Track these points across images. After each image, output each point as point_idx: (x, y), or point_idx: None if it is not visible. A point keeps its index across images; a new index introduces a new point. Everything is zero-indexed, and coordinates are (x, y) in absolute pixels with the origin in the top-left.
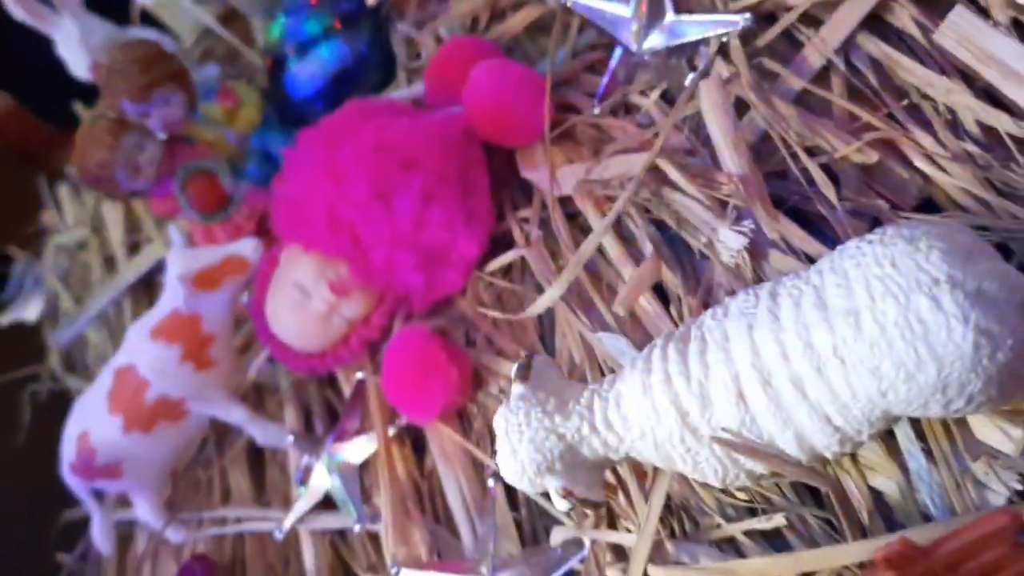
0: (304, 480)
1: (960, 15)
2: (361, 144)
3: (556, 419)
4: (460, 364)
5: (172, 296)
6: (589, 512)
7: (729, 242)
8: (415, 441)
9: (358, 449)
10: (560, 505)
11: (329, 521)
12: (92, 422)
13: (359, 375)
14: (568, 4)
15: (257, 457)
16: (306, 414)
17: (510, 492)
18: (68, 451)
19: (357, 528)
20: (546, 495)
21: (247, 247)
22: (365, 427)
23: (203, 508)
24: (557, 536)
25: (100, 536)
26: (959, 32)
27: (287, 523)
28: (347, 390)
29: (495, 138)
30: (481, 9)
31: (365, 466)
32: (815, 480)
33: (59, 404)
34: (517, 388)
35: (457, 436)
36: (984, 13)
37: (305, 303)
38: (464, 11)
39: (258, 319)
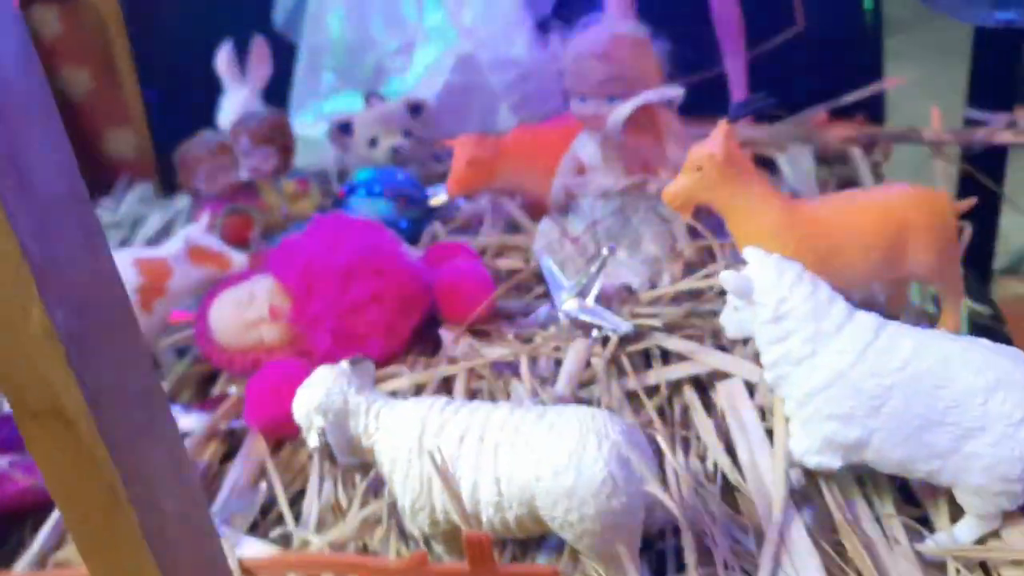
0: None
1: (735, 383)
2: (362, 237)
3: (350, 391)
4: None
5: (171, 247)
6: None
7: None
8: (231, 449)
9: (190, 421)
10: (311, 440)
11: None
12: None
13: (232, 389)
14: (539, 259)
15: None
16: (173, 395)
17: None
18: None
19: None
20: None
21: (239, 257)
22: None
23: None
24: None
25: None
26: (730, 393)
27: None
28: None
29: (441, 303)
30: (492, 247)
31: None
32: (467, 524)
33: None
34: (344, 364)
35: (265, 452)
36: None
37: (245, 306)
38: (480, 245)
39: (204, 303)
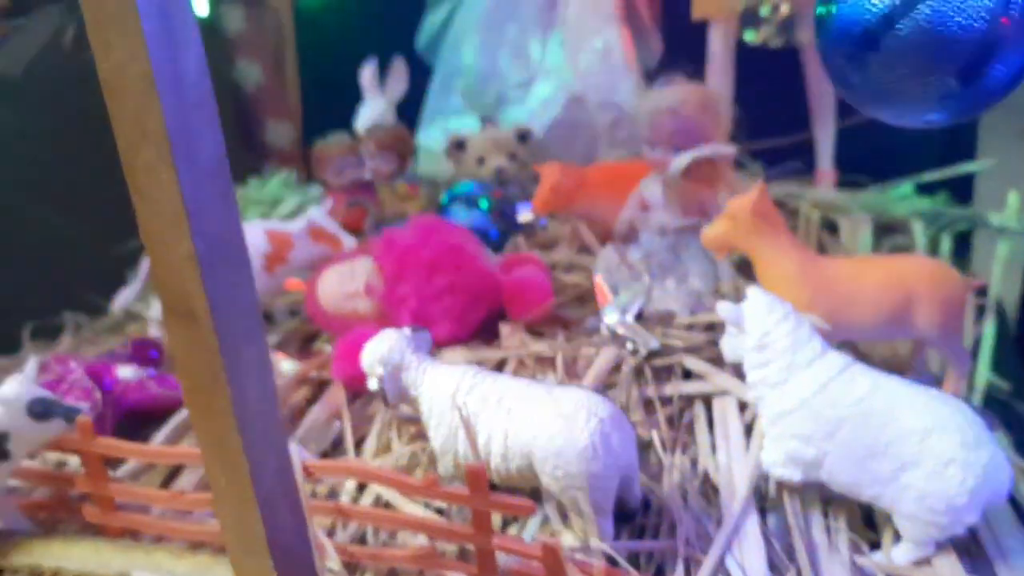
0: None
1: (730, 400)
2: (449, 238)
3: (407, 351)
4: None
5: (297, 224)
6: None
7: None
8: (317, 395)
9: (289, 363)
10: (372, 383)
11: None
12: None
13: (328, 347)
14: (596, 279)
15: None
16: (282, 346)
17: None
18: None
19: None
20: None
21: (349, 240)
22: (302, 361)
23: None
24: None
25: (124, 296)
26: (723, 408)
27: None
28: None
29: (507, 303)
30: (563, 263)
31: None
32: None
33: None
34: (406, 330)
35: (343, 400)
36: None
37: (348, 279)
38: (553, 260)
39: (316, 273)
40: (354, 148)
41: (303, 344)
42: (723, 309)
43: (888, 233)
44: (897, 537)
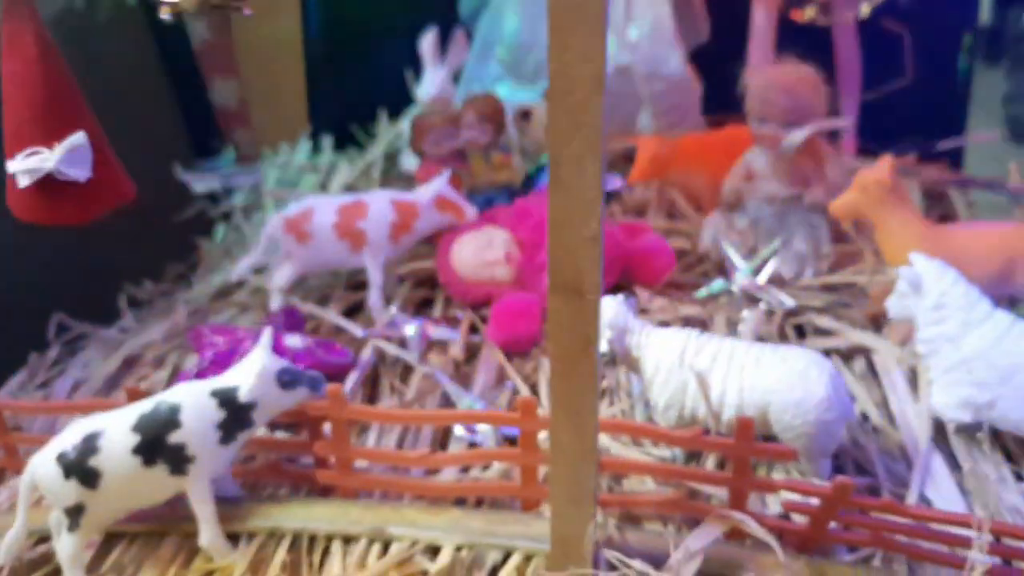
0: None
1: (888, 356)
2: None
3: (629, 316)
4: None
5: (424, 194)
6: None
7: None
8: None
9: (441, 331)
10: (602, 345)
11: (392, 347)
12: (319, 208)
13: (460, 314)
14: (724, 245)
15: (356, 307)
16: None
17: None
18: (293, 211)
19: (414, 355)
20: None
21: (472, 210)
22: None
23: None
24: None
25: (245, 266)
26: (884, 361)
27: (359, 332)
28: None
29: (635, 269)
30: (660, 229)
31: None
32: (713, 419)
33: None
34: (620, 297)
35: (503, 359)
36: None
37: (485, 247)
38: (652, 225)
39: (446, 243)
40: (455, 119)
41: (418, 308)
42: (906, 273)
43: (925, 200)
44: None
